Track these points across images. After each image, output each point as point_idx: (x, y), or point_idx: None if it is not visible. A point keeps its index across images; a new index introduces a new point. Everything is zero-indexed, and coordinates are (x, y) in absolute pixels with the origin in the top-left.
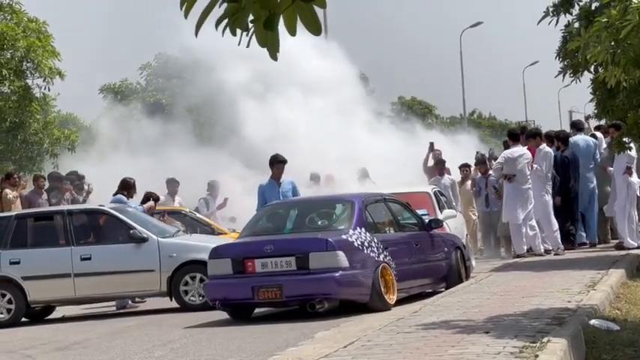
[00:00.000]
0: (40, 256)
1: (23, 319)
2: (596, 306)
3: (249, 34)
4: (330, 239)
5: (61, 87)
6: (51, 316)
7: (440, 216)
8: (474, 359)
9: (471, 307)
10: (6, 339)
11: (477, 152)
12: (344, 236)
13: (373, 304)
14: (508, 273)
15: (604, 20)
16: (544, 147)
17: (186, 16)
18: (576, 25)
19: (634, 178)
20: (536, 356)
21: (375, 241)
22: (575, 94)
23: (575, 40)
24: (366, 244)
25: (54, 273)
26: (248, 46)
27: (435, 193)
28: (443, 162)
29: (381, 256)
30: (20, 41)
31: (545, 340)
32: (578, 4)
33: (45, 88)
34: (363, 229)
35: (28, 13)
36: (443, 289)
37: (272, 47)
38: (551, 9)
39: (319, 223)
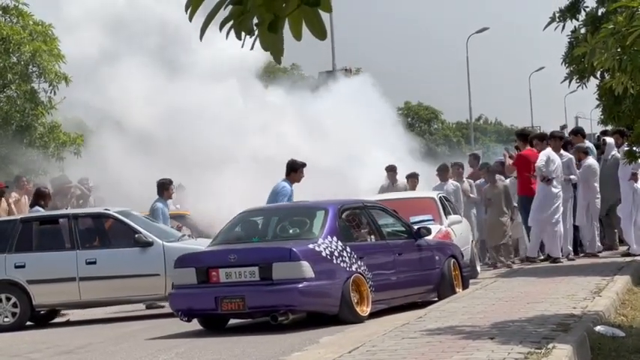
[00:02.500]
0: (45, 259)
1: (28, 323)
2: (602, 312)
3: (254, 37)
4: (294, 249)
5: (67, 90)
6: (55, 320)
7: (445, 222)
8: None
9: (476, 313)
10: (11, 342)
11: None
12: (311, 245)
13: (343, 316)
14: (513, 279)
15: (610, 27)
16: (565, 154)
17: (190, 19)
18: (583, 30)
19: None
20: None
21: (348, 250)
22: (582, 100)
23: (581, 46)
24: (336, 253)
25: (59, 277)
26: (252, 48)
27: (440, 199)
28: (446, 168)
29: (354, 267)
30: (26, 45)
31: (550, 346)
32: (585, 10)
33: (51, 92)
34: (334, 238)
35: (34, 15)
36: (435, 300)
37: (276, 51)
38: (557, 14)
39: (290, 231)
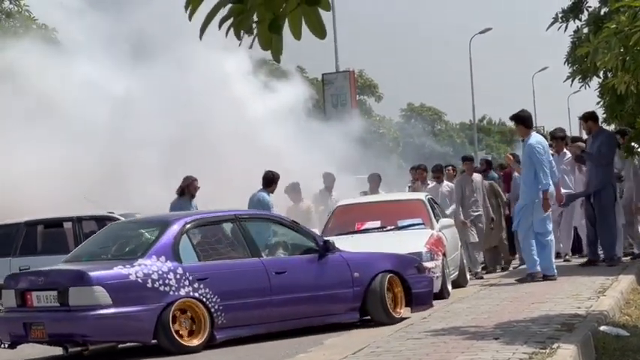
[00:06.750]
0: (49, 263)
1: None
2: (606, 312)
3: (253, 35)
4: (88, 272)
5: None
6: None
7: (436, 226)
8: None
9: (480, 313)
10: None
11: None
12: (116, 268)
13: (165, 347)
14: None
15: (613, 26)
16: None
17: (190, 18)
18: (585, 30)
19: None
20: None
21: (180, 271)
22: (585, 100)
23: (584, 45)
24: (154, 276)
25: None
26: (251, 47)
27: (429, 201)
28: (441, 168)
29: (184, 290)
30: None
31: (554, 346)
32: (587, 10)
33: None
34: (162, 258)
35: (37, 19)
36: (360, 321)
37: (275, 50)
38: (560, 15)
39: (127, 249)
